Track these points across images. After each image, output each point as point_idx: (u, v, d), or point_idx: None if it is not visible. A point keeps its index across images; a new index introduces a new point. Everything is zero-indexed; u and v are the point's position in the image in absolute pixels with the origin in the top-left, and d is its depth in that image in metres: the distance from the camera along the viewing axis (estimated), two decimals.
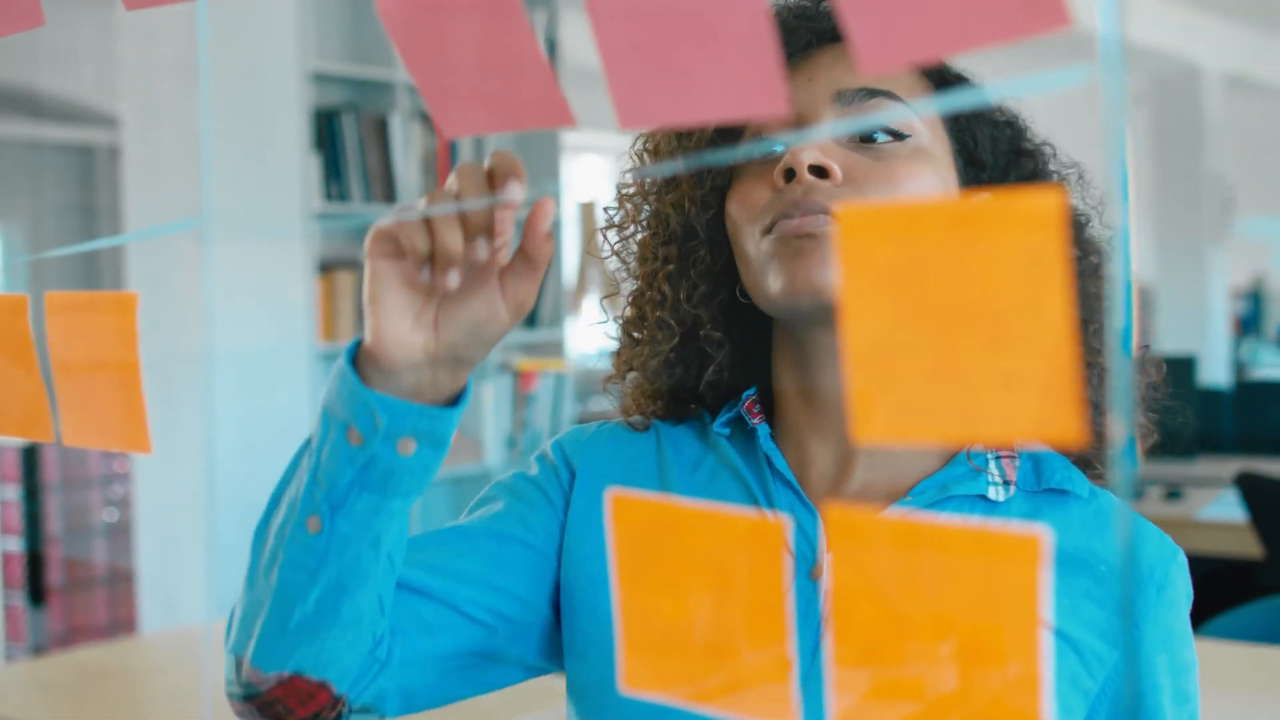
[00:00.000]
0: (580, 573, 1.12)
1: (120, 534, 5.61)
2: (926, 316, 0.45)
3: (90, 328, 0.70)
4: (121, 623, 5.59)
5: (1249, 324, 11.70)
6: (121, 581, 5.58)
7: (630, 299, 1.17)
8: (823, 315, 1.02)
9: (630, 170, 1.17)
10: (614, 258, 1.18)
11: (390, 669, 1.03)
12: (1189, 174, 9.37)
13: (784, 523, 0.48)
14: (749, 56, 0.49)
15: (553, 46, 5.17)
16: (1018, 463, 1.08)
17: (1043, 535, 0.43)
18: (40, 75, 6.91)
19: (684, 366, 1.14)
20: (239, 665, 0.99)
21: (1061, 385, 0.43)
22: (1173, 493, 4.61)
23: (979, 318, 0.44)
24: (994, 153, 1.10)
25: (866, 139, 1.04)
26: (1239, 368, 10.54)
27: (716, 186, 1.11)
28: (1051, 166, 1.14)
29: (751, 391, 1.14)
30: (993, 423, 0.44)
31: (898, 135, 1.04)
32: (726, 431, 1.13)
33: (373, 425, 0.86)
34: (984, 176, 1.10)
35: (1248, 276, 11.71)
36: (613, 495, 0.52)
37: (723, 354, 1.13)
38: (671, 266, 1.13)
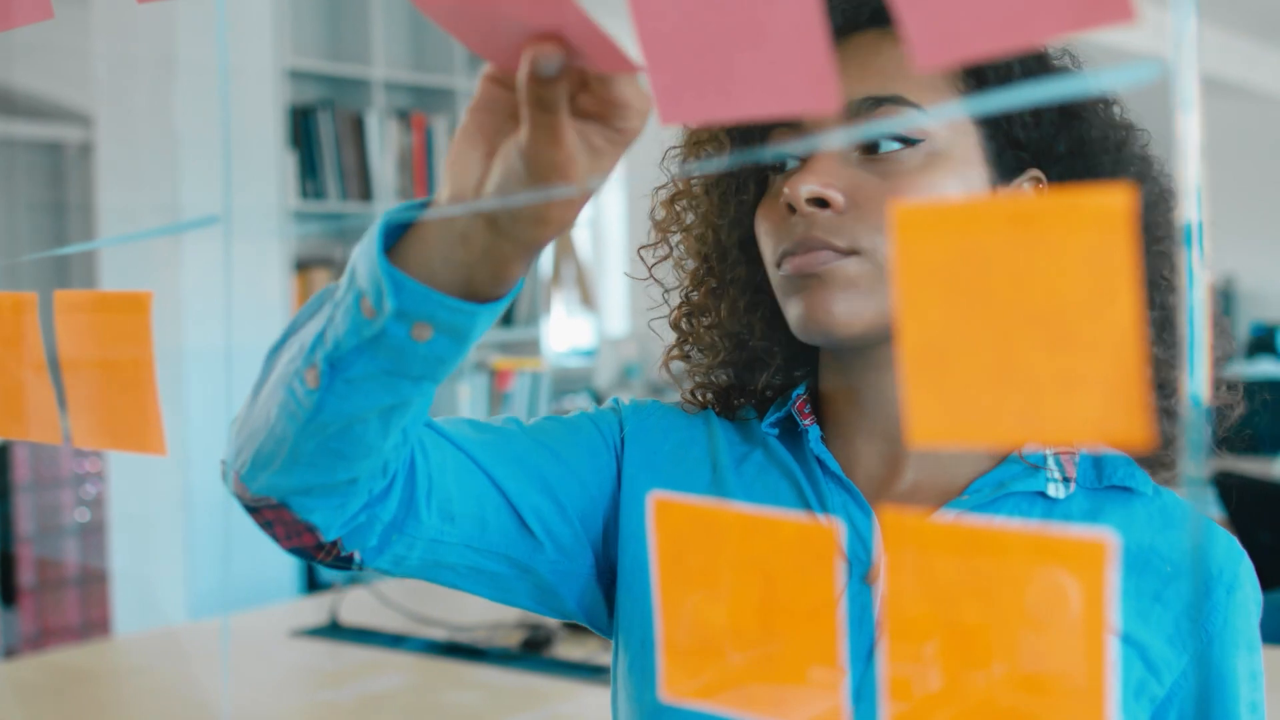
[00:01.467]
0: (629, 548, 1.09)
1: (92, 534, 5.56)
2: (986, 317, 0.44)
3: (102, 327, 0.68)
4: (94, 624, 5.55)
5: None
6: (94, 582, 5.54)
7: (681, 298, 1.16)
8: (842, 344, 1.01)
9: (661, 188, 1.15)
10: (651, 278, 1.16)
11: (418, 538, 0.99)
12: None
13: (836, 527, 0.47)
14: (799, 50, 0.48)
15: None
16: (1077, 459, 1.05)
17: (1109, 539, 0.42)
18: (13, 72, 6.85)
19: (736, 371, 1.13)
20: (232, 475, 0.94)
21: (1127, 388, 0.42)
22: None
23: (1041, 318, 0.43)
24: (1038, 126, 1.03)
25: (874, 151, 0.99)
26: None
27: (744, 204, 1.08)
28: (1105, 132, 1.06)
29: (800, 390, 1.11)
30: (1055, 425, 0.43)
31: (908, 141, 0.99)
32: (775, 431, 1.11)
33: (381, 302, 0.79)
34: (1025, 156, 1.03)
35: (1217, 276, 11.77)
36: (655, 499, 0.51)
37: (774, 360, 1.12)
38: (713, 282, 1.12)
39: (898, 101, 0.99)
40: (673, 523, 0.50)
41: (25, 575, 5.48)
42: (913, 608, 0.46)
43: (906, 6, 0.46)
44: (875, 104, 0.99)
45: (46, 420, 0.73)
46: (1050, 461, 1.04)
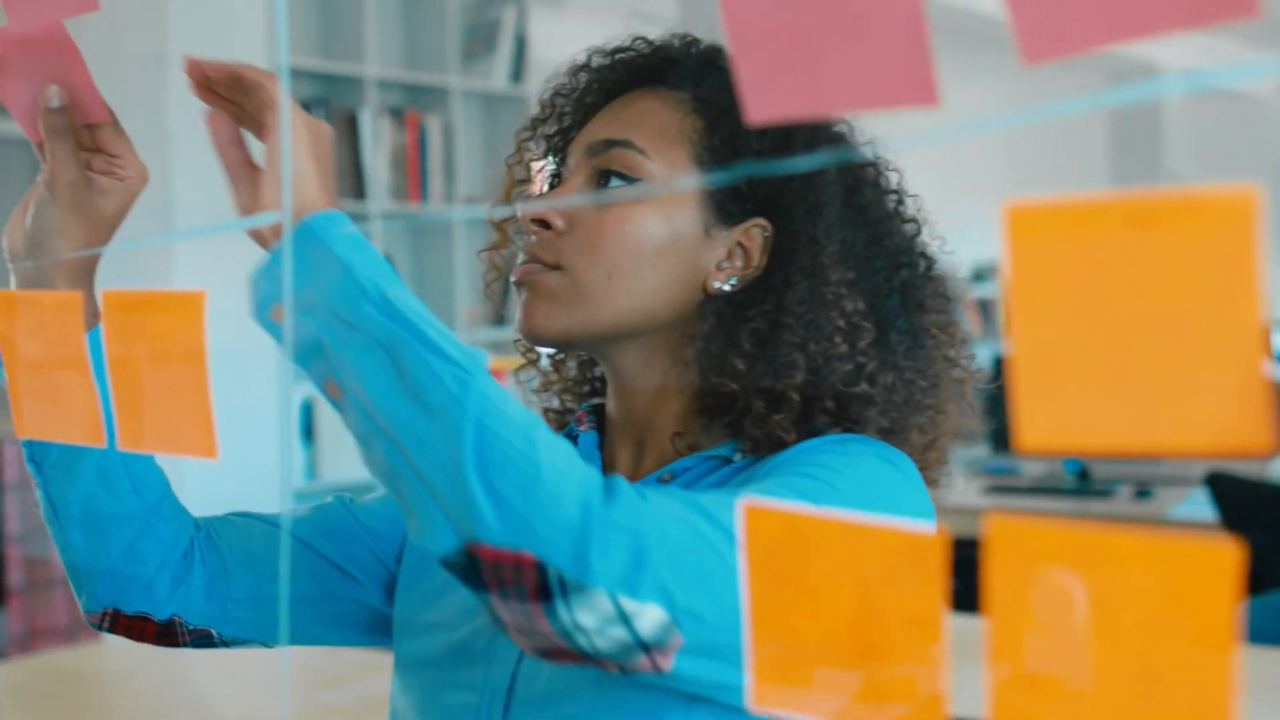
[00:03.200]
0: (403, 570, 1.25)
1: None
2: (1101, 318, 0.43)
3: (152, 327, 0.66)
4: (81, 624, 5.51)
5: None
6: None
7: None
8: (544, 345, 1.18)
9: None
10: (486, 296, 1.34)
11: (235, 595, 1.20)
12: (1147, 174, 9.42)
13: (944, 536, 0.46)
14: (900, 44, 0.47)
15: (521, 45, 5.13)
16: None
17: (1234, 547, 0.41)
18: None
19: (558, 395, 1.30)
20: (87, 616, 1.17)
21: (1250, 392, 0.41)
22: (1142, 491, 4.62)
23: (1160, 320, 0.42)
24: (763, 180, 1.12)
25: (603, 184, 1.13)
26: None
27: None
28: (843, 193, 1.14)
29: (587, 405, 1.24)
30: (1173, 430, 0.42)
31: (628, 179, 1.12)
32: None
33: None
34: (749, 205, 1.13)
35: None
36: (745, 505, 0.49)
37: (583, 384, 1.29)
38: None
39: (626, 145, 1.13)
40: (765, 530, 0.49)
41: (13, 575, 5.44)
42: (1020, 613, 0.44)
43: (1014, 2, 0.45)
44: (608, 145, 1.13)
45: (89, 422, 0.72)
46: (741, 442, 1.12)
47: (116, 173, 1.07)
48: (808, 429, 1.09)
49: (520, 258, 1.14)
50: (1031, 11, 0.45)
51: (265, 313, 0.84)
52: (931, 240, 1.19)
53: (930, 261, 1.18)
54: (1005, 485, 4.96)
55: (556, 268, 1.10)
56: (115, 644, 3.14)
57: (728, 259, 1.11)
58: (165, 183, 3.92)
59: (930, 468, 1.16)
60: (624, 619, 0.82)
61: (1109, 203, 0.43)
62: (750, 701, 0.50)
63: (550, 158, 1.24)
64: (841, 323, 1.09)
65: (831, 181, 1.13)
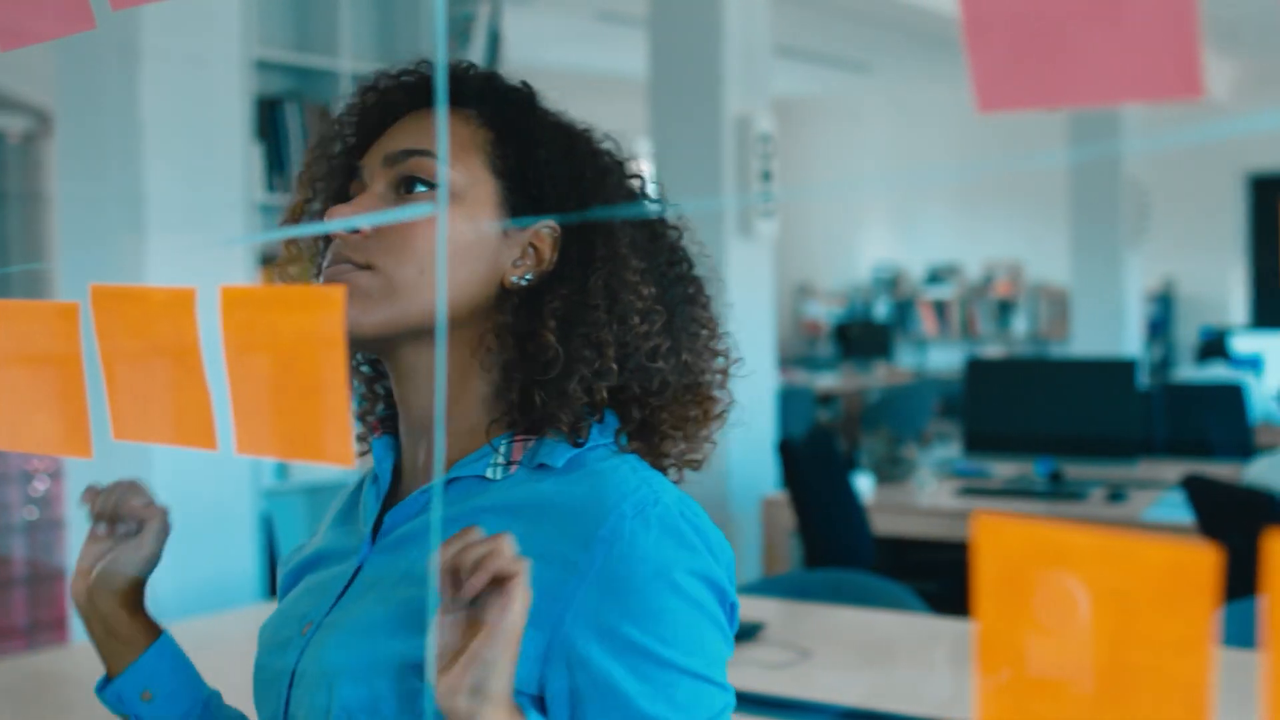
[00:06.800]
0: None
1: (41, 532, 5.44)
2: None
3: (276, 327, 0.63)
4: (42, 624, 5.43)
5: (1158, 327, 11.89)
6: (43, 581, 5.41)
7: None
8: (358, 344, 1.22)
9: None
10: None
11: None
12: (1105, 177, 9.48)
13: (1213, 554, 0.43)
14: (1166, 29, 0.44)
15: (495, 40, 5.09)
16: (531, 443, 1.20)
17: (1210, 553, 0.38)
18: None
19: (359, 402, 1.37)
20: None
21: None
22: (1116, 494, 4.63)
23: None
24: (553, 185, 1.23)
25: (408, 191, 1.22)
26: (1152, 370, 10.71)
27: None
28: (621, 185, 1.27)
29: (383, 410, 1.35)
30: None
31: (431, 185, 1.22)
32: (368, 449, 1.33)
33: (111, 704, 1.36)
34: (547, 204, 1.23)
35: (1158, 279, 11.89)
36: (982, 519, 0.46)
37: (378, 384, 1.36)
38: None
39: (426, 154, 1.22)
40: (1003, 545, 0.46)
41: None
42: None
43: None
44: (408, 155, 1.22)
45: (200, 425, 0.68)
46: (503, 445, 1.20)
47: (143, 524, 1.34)
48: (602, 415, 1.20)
49: (327, 260, 1.21)
50: None
51: None
52: (690, 244, 1.30)
53: (691, 261, 1.29)
54: (977, 487, 4.97)
55: (368, 267, 1.18)
56: (86, 648, 3.07)
57: (521, 257, 1.22)
58: (136, 176, 3.85)
59: (699, 449, 1.26)
60: None
61: None
62: None
63: (339, 172, 1.30)
64: (640, 305, 1.20)
65: (617, 184, 1.27)
